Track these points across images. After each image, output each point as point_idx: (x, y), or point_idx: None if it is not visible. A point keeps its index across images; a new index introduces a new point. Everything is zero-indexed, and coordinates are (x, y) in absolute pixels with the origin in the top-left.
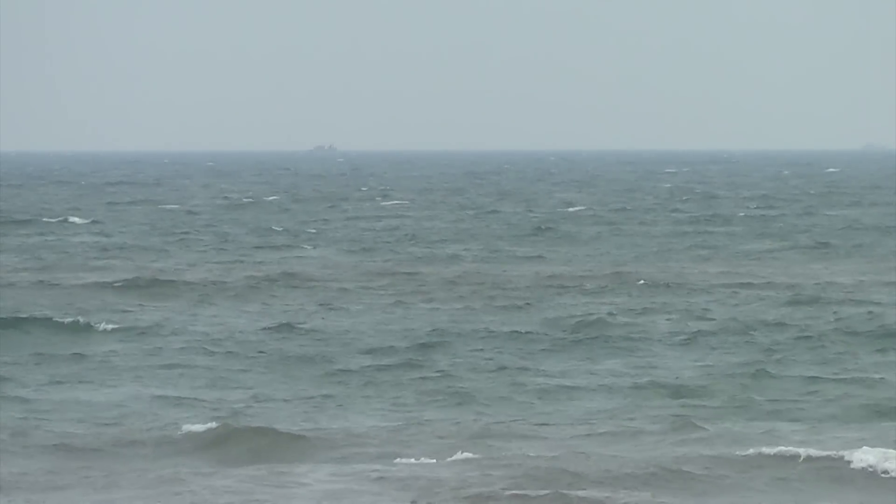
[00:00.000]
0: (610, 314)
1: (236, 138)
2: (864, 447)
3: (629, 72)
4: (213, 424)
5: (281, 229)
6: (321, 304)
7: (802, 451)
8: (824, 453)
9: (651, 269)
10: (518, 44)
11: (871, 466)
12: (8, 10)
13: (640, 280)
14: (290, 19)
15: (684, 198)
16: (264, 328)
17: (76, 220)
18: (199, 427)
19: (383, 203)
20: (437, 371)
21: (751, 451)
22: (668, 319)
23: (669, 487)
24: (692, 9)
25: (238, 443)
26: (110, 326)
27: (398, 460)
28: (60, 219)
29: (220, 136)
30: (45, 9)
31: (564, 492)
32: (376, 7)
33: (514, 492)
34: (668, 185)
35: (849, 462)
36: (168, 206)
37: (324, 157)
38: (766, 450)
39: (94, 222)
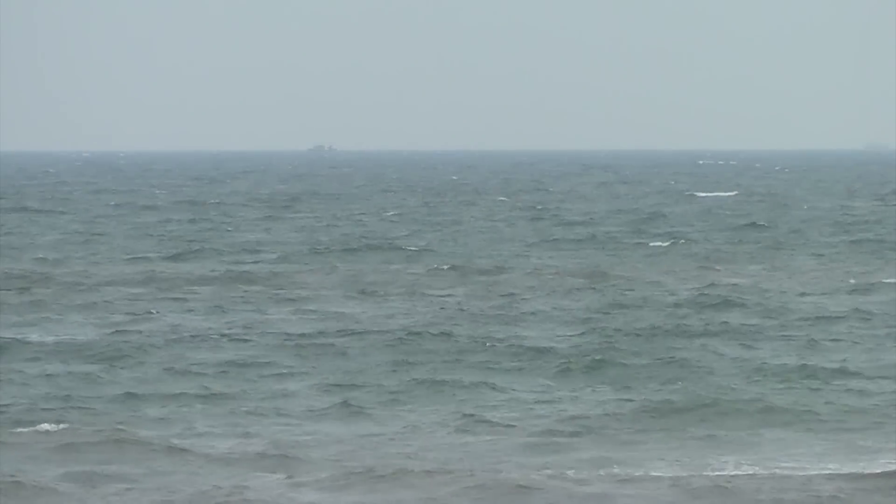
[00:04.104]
0: None
1: (235, 139)
2: None
3: (628, 80)
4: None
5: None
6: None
7: None
8: None
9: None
10: (508, 54)
11: None
12: (5, 11)
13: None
14: (290, 22)
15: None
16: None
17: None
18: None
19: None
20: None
21: None
22: None
23: None
24: (694, 14)
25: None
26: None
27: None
28: None
29: (219, 137)
30: (45, 9)
31: None
32: (376, 14)
33: None
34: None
35: None
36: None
37: (323, 156)
38: None
39: None
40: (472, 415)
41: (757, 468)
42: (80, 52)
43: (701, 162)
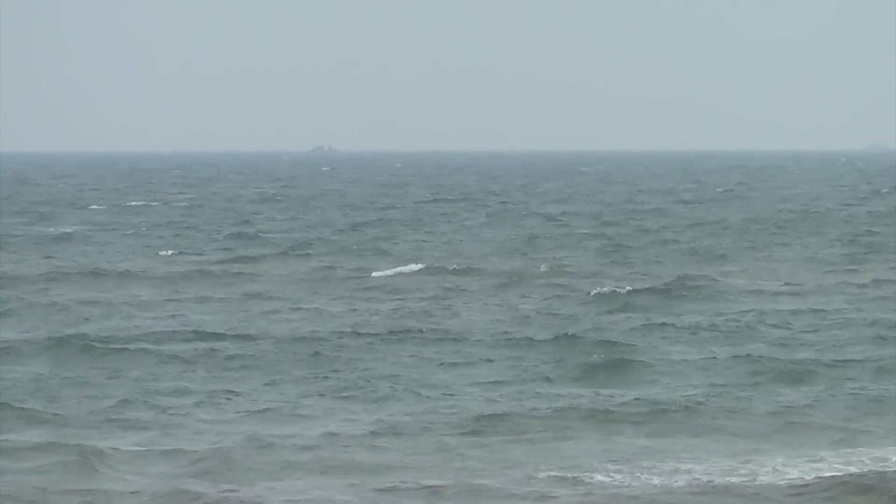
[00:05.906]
0: None
1: (236, 140)
2: None
3: (628, 80)
4: None
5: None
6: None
7: None
8: None
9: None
10: (508, 54)
11: None
12: (5, 11)
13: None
14: (291, 23)
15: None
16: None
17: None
18: None
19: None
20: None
21: None
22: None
23: None
24: (694, 14)
25: None
26: None
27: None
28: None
29: (220, 138)
30: (45, 10)
31: None
32: (376, 15)
33: None
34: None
35: None
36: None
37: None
38: None
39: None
40: (432, 412)
41: (733, 469)
42: (80, 53)
43: (699, 162)
